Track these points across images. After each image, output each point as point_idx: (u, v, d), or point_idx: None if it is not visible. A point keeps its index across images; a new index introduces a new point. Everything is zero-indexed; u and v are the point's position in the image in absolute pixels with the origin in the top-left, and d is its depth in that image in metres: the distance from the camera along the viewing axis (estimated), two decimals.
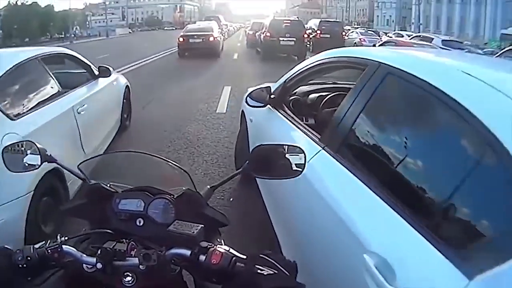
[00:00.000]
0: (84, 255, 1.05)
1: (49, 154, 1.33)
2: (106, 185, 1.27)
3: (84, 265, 1.05)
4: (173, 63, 15.24)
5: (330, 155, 1.88)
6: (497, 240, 1.07)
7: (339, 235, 1.54)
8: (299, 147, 1.34)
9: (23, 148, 1.35)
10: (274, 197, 2.66)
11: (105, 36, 28.66)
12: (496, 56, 9.97)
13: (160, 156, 1.42)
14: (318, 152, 1.97)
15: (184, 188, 1.26)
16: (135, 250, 1.05)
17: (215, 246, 1.00)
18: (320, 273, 1.65)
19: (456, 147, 1.36)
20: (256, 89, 3.13)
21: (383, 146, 1.70)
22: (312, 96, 3.52)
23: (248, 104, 3.09)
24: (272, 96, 3.01)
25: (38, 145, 1.32)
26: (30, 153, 1.33)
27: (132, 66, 13.38)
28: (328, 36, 20.42)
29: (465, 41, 23.03)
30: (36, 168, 1.34)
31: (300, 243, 2.00)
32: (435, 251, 1.14)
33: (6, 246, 1.02)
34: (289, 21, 18.09)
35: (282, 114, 2.86)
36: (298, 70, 2.94)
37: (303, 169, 1.30)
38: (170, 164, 1.44)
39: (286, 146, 1.33)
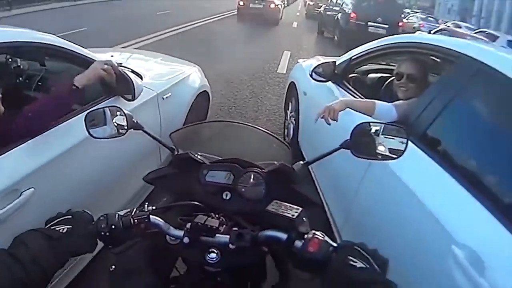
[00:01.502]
0: (172, 228, 1.01)
1: (135, 121, 1.25)
2: (195, 155, 1.19)
3: (167, 236, 1.02)
4: (233, 26, 15.72)
5: (412, 142, 1.64)
6: None
7: (426, 227, 1.50)
8: (403, 129, 1.21)
9: (109, 113, 1.25)
10: (336, 182, 2.52)
11: None
12: None
13: (255, 126, 1.40)
14: None
15: (276, 163, 1.17)
16: (225, 226, 1.01)
17: (312, 233, 0.93)
18: (403, 265, 1.46)
19: None
20: (321, 63, 2.95)
21: (471, 142, 1.70)
22: (372, 76, 3.34)
23: (313, 78, 2.88)
24: (335, 72, 2.90)
25: (125, 111, 1.24)
26: (119, 115, 1.24)
27: (192, 24, 14.01)
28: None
29: None
30: (123, 134, 1.24)
31: (372, 233, 1.87)
32: None
33: (86, 211, 0.99)
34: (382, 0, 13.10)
35: (343, 91, 2.78)
36: (367, 49, 2.79)
37: (403, 152, 1.17)
38: (268, 134, 1.38)
39: (386, 126, 1.20)
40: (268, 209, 1.02)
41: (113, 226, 0.93)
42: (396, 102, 2.17)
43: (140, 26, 11.41)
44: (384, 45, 2.64)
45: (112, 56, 2.02)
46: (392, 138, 1.19)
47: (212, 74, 6.90)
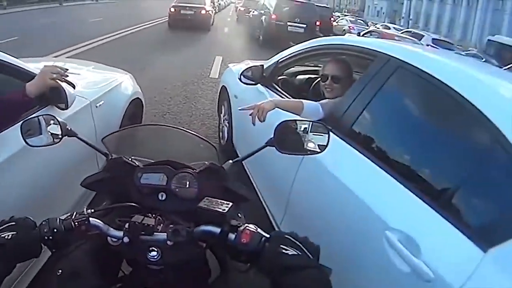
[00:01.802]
0: (111, 229, 1.03)
1: (69, 128, 1.29)
2: (128, 159, 1.23)
3: (109, 238, 1.04)
4: (165, 33, 15.59)
5: (340, 138, 1.90)
6: (510, 214, 1.20)
7: (358, 214, 1.61)
8: (324, 125, 1.33)
9: (44, 122, 1.28)
10: (271, 179, 2.63)
11: (95, 0, 28.37)
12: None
13: (184, 129, 1.45)
14: None
15: (207, 163, 1.23)
16: (162, 225, 1.05)
17: (244, 225, 0.97)
18: (339, 252, 1.60)
19: (465, 135, 1.54)
20: (249, 67, 3.02)
21: (393, 134, 1.88)
22: (300, 77, 3.51)
23: (242, 82, 2.98)
24: (264, 75, 3.00)
25: (59, 119, 1.28)
26: (53, 124, 1.28)
27: (125, 31, 13.82)
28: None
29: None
30: (58, 141, 1.28)
31: (309, 224, 1.96)
32: (451, 226, 1.27)
33: (28, 217, 0.97)
34: (299, 2, 14.92)
35: (272, 93, 2.87)
36: (294, 52, 2.92)
37: (325, 147, 1.29)
38: (195, 136, 1.43)
39: (310, 123, 1.30)
40: (200, 205, 1.06)
41: (55, 230, 0.93)
42: (322, 101, 2.31)
43: (73, 34, 11.13)
44: (310, 47, 2.76)
45: (45, 66, 2.05)
46: (319, 135, 1.29)
47: (145, 81, 6.83)
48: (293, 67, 3.33)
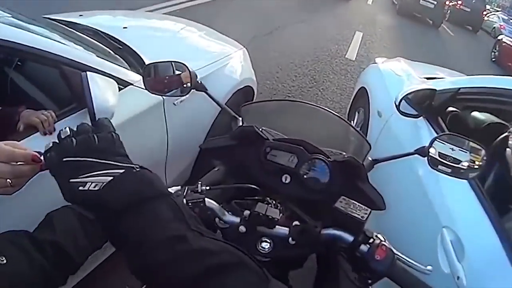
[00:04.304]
0: (227, 214, 0.96)
1: (199, 82, 1.25)
2: (259, 130, 1.13)
3: (217, 219, 0.96)
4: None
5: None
6: None
7: (421, 207, 1.68)
8: (481, 146, 1.15)
9: (174, 67, 1.25)
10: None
11: None
12: None
13: (331, 111, 1.31)
14: None
15: (345, 155, 1.13)
16: (283, 215, 0.98)
17: (378, 239, 0.90)
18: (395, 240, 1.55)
19: None
20: (416, 90, 2.16)
21: None
22: (477, 116, 2.33)
23: (401, 112, 2.05)
24: (433, 104, 2.15)
25: (191, 69, 1.22)
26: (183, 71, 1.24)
27: None
28: (469, 10, 17.75)
29: None
30: (186, 94, 1.25)
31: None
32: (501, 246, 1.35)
33: None
34: None
35: (433, 130, 2.06)
36: (486, 84, 2.13)
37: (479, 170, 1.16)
38: (347, 124, 1.34)
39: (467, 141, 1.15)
40: (336, 206, 0.97)
41: None
42: None
43: None
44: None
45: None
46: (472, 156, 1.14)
47: (269, 50, 6.01)
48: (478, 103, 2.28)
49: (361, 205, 0.97)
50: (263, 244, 0.95)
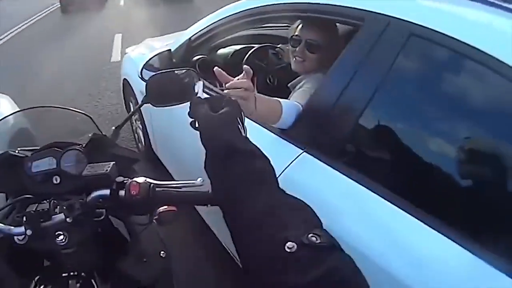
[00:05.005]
0: (12, 227, 1.00)
1: None
2: (15, 152, 1.19)
3: (15, 238, 1.00)
4: (57, 19, 13.92)
5: (321, 161, 1.34)
6: None
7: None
8: (191, 70, 1.21)
9: None
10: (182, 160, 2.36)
11: None
12: None
13: (57, 106, 1.39)
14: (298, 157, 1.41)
15: (89, 135, 1.22)
16: (59, 207, 1.02)
17: (130, 179, 0.99)
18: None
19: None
20: (153, 56, 2.29)
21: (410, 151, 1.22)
22: (223, 51, 2.58)
23: (145, 80, 1.94)
24: (174, 61, 2.31)
25: None
26: None
27: (12, 31, 11.99)
28: None
29: None
30: None
31: None
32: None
33: None
34: None
35: None
36: (217, 20, 2.14)
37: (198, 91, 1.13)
38: (70, 110, 1.39)
39: (179, 72, 1.24)
40: (83, 173, 1.04)
41: None
42: (295, 95, 1.69)
43: None
44: (236, 12, 1.98)
45: None
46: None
47: (40, 85, 5.89)
48: (216, 42, 2.44)
49: (104, 163, 1.05)
50: (59, 238, 0.99)
